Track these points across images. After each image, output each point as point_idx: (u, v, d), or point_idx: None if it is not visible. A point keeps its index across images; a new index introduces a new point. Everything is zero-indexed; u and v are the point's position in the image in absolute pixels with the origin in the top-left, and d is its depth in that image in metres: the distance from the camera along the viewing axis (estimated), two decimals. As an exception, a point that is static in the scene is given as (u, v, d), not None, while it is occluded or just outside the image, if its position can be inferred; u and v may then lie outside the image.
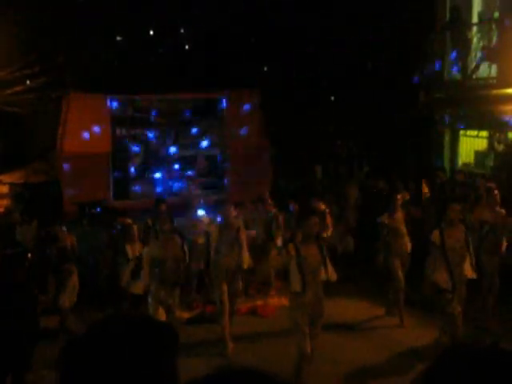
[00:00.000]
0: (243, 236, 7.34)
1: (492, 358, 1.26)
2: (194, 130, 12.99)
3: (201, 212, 9.17)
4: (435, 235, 6.60)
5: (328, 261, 5.82)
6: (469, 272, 6.58)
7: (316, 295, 5.71)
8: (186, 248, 7.13)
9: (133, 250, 8.06)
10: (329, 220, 8.85)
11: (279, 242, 9.32)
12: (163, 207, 8.02)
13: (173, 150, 13.00)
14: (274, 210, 9.47)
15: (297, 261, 5.60)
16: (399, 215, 8.10)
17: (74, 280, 7.96)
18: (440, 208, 7.75)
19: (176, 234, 7.09)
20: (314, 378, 5.90)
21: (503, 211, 7.65)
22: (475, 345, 1.33)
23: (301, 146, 14.28)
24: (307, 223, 5.66)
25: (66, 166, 11.49)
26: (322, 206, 8.91)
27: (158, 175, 12.84)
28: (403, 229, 8.06)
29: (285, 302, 8.26)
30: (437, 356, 1.30)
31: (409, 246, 8.09)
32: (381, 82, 14.00)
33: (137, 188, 12.62)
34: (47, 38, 13.68)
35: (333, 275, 5.85)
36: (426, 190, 11.25)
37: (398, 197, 8.27)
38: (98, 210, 10.79)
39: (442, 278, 6.50)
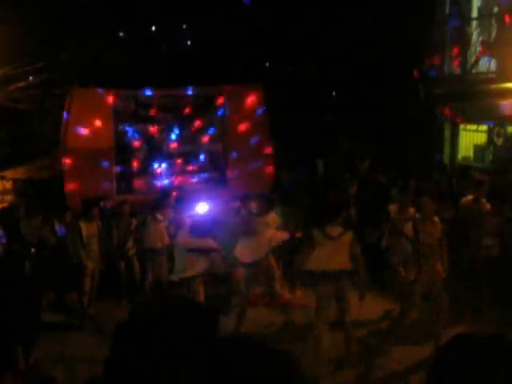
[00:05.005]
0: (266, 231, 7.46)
1: (498, 346, 1.28)
2: (196, 125, 13.07)
3: (204, 205, 9.07)
4: (408, 228, 6.71)
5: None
6: (440, 270, 6.55)
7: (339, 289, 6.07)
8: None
9: None
10: None
11: None
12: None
13: (175, 145, 13.10)
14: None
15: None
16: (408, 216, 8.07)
17: None
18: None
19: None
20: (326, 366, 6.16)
21: (488, 205, 7.72)
22: (480, 335, 1.33)
23: (302, 140, 14.37)
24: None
25: (69, 162, 11.56)
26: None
27: (160, 170, 12.94)
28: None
29: (296, 296, 8.41)
30: (443, 345, 1.34)
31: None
32: (381, 76, 14.06)
33: (140, 183, 12.72)
34: (49, 33, 13.77)
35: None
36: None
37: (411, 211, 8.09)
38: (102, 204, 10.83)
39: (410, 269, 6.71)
